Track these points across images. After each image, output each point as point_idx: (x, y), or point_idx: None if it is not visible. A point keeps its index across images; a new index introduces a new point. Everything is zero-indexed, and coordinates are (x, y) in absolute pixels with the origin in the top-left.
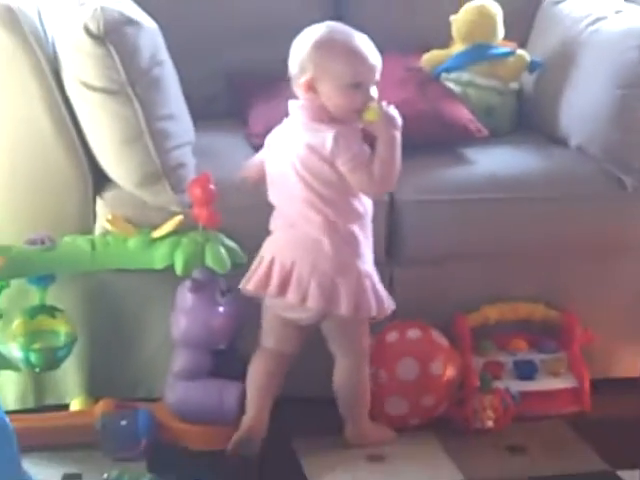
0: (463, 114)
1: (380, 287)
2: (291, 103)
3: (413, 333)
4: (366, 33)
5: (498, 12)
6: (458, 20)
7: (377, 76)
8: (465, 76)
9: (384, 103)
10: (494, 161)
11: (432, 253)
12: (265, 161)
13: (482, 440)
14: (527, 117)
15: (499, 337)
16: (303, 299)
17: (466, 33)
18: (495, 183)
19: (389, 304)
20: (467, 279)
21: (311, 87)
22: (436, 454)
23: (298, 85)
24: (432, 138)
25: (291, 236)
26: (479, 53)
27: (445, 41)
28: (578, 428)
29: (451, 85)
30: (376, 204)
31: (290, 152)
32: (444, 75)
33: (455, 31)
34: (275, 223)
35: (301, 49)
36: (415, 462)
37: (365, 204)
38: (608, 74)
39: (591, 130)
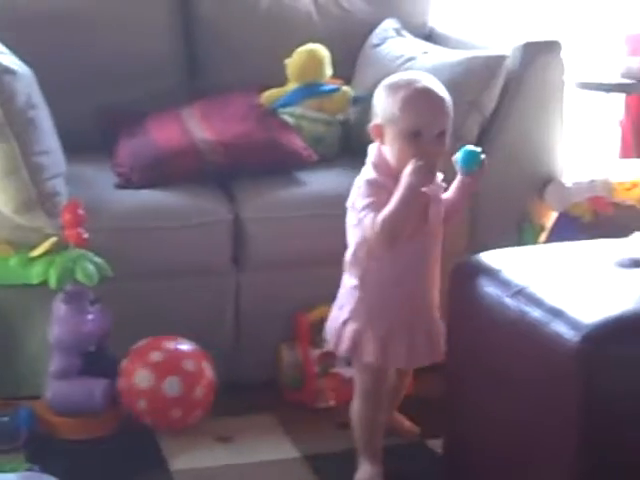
0: (297, 143)
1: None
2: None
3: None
4: (215, 76)
5: (326, 55)
6: (291, 62)
7: (439, 128)
8: (298, 110)
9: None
10: (323, 182)
11: (273, 261)
12: None
13: (316, 419)
14: (352, 144)
15: None
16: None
17: (298, 73)
18: (324, 201)
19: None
20: (305, 282)
21: (379, 132)
22: (277, 434)
23: (370, 129)
24: (271, 164)
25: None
26: (310, 90)
27: (281, 81)
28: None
29: (286, 118)
30: (223, 222)
31: None
32: (280, 110)
33: (289, 72)
34: None
35: (377, 94)
36: (258, 442)
37: None
38: None
39: None
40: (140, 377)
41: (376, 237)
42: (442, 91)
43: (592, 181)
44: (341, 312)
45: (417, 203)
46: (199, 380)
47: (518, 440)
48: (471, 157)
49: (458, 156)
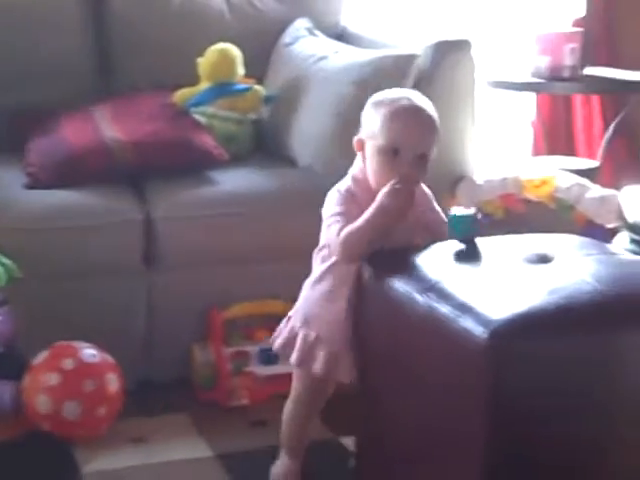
0: (208, 142)
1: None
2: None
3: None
4: (128, 75)
5: (238, 54)
6: (203, 62)
7: (420, 150)
8: (210, 109)
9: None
10: (235, 181)
11: (186, 260)
12: None
13: (229, 418)
14: (264, 143)
15: (247, 329)
16: None
17: (210, 72)
18: (235, 200)
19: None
20: (218, 281)
21: (360, 146)
22: (190, 434)
23: (353, 142)
24: (182, 163)
25: None
26: (222, 90)
27: (193, 80)
28: None
29: (198, 117)
30: (134, 222)
31: None
32: (193, 109)
33: (201, 71)
34: None
35: (365, 108)
36: (172, 442)
37: None
38: (327, 104)
39: (315, 151)
40: (39, 402)
41: (337, 249)
42: (429, 114)
43: (503, 179)
44: (295, 315)
45: (386, 226)
46: (100, 400)
47: (428, 436)
48: (463, 223)
49: (450, 222)
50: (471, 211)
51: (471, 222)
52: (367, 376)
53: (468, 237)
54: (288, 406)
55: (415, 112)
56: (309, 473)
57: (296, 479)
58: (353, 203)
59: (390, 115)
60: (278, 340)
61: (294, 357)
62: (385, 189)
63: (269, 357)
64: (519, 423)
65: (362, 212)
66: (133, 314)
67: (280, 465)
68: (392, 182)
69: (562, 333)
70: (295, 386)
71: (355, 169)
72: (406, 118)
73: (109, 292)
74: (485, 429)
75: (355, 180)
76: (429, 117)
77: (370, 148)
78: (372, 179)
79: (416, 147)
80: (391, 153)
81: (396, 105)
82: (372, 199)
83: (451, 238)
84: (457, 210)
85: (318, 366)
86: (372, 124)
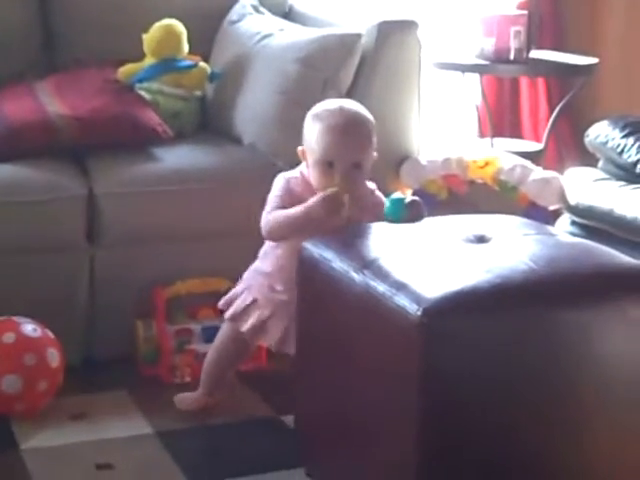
0: (152, 118)
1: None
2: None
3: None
4: (71, 49)
5: (183, 31)
6: (148, 37)
7: (353, 159)
8: (155, 85)
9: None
10: (179, 158)
11: (129, 237)
12: None
13: (170, 395)
14: (209, 120)
15: (190, 307)
16: None
17: (155, 48)
18: (179, 177)
19: None
20: (161, 258)
21: (304, 156)
22: (131, 410)
23: (298, 151)
24: (126, 139)
25: None
26: (167, 66)
27: (138, 55)
28: (251, 381)
29: (143, 93)
30: (76, 198)
31: None
32: (137, 85)
33: (146, 47)
34: None
35: (305, 120)
36: (112, 418)
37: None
38: (272, 83)
39: (259, 130)
40: None
41: (262, 228)
42: (362, 125)
43: (446, 159)
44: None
45: (309, 229)
46: (41, 374)
47: (364, 413)
48: (395, 206)
49: (385, 205)
50: (404, 195)
51: (403, 206)
52: (304, 354)
53: (400, 220)
54: (211, 352)
55: (347, 127)
56: (250, 452)
57: (199, 406)
58: (292, 193)
59: (324, 130)
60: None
61: (229, 312)
62: (316, 196)
63: (212, 335)
64: (451, 399)
65: (296, 203)
66: (76, 290)
67: (191, 395)
68: (324, 193)
69: (495, 311)
70: (221, 336)
71: (305, 164)
72: (338, 133)
73: (51, 268)
74: (418, 407)
75: (301, 175)
76: (362, 129)
77: (309, 159)
78: (313, 184)
79: (349, 159)
80: (326, 165)
81: (330, 120)
82: (311, 195)
83: (386, 220)
84: (396, 194)
85: (246, 327)
86: (310, 138)
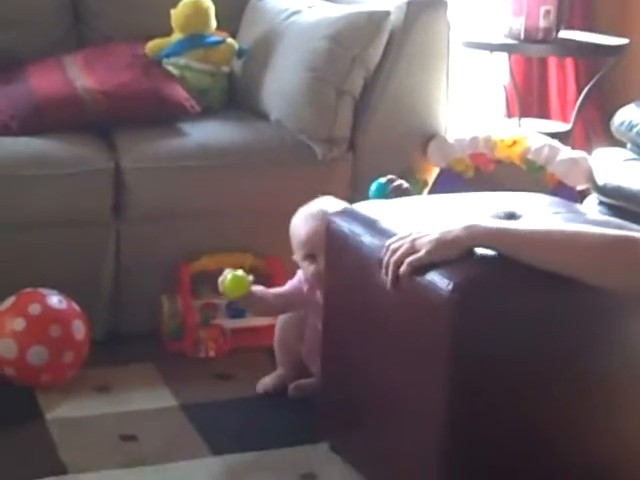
0: (180, 93)
1: None
2: None
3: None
4: (100, 24)
5: (211, 6)
6: (176, 13)
7: (307, 250)
8: (182, 61)
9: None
10: (206, 134)
11: (155, 211)
12: None
13: (195, 370)
14: (236, 96)
15: (216, 283)
16: None
17: (183, 24)
18: (205, 152)
19: None
20: (188, 234)
21: None
22: (156, 383)
23: None
24: (153, 114)
25: None
26: (194, 41)
27: (166, 31)
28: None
29: (170, 69)
30: (103, 171)
31: None
32: (165, 60)
33: (174, 22)
34: None
35: None
36: (136, 391)
37: None
38: (300, 60)
39: (287, 107)
40: (4, 347)
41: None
42: (308, 221)
43: (474, 138)
44: None
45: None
46: (67, 345)
47: (391, 389)
48: (380, 191)
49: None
50: (386, 179)
51: (386, 190)
52: (330, 327)
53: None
54: (276, 331)
55: (301, 223)
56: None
57: (278, 382)
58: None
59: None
60: None
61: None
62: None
63: (237, 310)
64: (480, 376)
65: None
66: (102, 265)
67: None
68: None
69: (525, 288)
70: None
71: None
72: (294, 231)
73: (78, 242)
74: (446, 381)
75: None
76: (308, 227)
77: None
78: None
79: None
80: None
81: (295, 220)
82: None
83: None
84: (382, 179)
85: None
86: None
